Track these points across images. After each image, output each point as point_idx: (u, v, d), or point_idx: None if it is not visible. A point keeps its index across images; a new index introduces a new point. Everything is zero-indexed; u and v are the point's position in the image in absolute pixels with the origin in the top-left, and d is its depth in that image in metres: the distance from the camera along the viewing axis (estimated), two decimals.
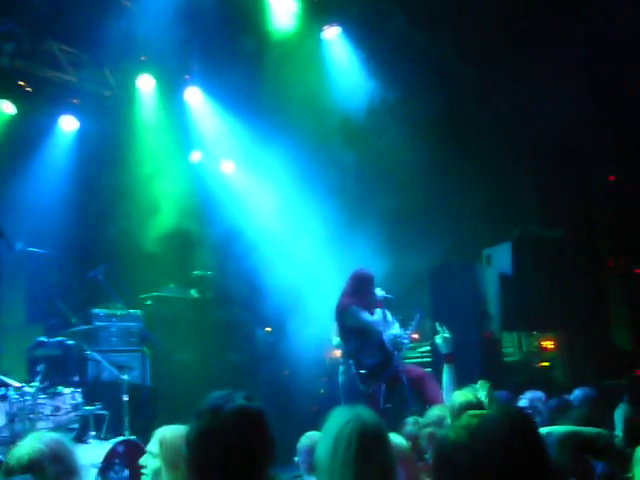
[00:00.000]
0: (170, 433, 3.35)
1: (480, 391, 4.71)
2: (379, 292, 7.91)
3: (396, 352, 7.55)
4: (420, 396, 7.42)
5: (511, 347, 10.70)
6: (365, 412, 2.78)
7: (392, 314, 7.93)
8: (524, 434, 2.88)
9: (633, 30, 9.14)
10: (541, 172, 11.12)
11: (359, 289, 7.81)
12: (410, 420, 5.31)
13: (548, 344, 10.89)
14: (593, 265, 10.92)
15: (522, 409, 4.42)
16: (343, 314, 7.76)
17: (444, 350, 5.76)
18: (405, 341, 7.76)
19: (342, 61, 10.05)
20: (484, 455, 2.83)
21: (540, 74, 9.89)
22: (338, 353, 9.21)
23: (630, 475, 3.59)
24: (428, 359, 9.71)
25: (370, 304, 7.80)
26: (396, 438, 4.07)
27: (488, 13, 9.16)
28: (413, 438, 4.95)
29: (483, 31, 9.49)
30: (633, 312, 11.02)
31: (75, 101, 10.42)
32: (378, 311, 7.81)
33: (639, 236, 10.67)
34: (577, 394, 5.98)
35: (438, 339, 5.85)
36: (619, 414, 5.00)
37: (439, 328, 5.89)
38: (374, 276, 7.90)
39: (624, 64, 9.90)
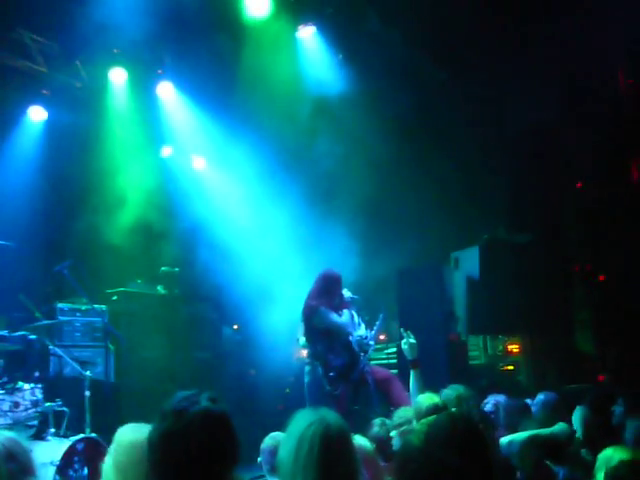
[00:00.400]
0: (126, 433, 3.30)
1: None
2: (346, 293, 7.90)
3: (362, 353, 7.55)
4: (386, 398, 7.43)
5: (477, 350, 10.79)
6: (329, 414, 2.77)
7: (359, 315, 7.94)
8: (468, 436, 2.95)
9: (604, 37, 9.29)
10: (509, 177, 11.23)
11: (326, 290, 7.79)
12: (377, 422, 5.31)
13: (513, 348, 10.99)
14: (559, 270, 11.05)
15: (469, 412, 4.45)
16: (311, 315, 7.72)
17: (409, 356, 5.74)
18: (371, 342, 7.77)
19: (316, 60, 10.05)
20: (436, 459, 2.90)
21: (510, 79, 9.99)
22: (305, 353, 9.20)
23: None
24: (394, 360, 9.74)
25: (337, 305, 7.79)
26: (360, 440, 4.08)
27: (461, 17, 9.23)
28: (380, 439, 4.95)
29: (456, 34, 9.55)
30: (597, 317, 11.17)
31: (45, 92, 10.27)
32: (345, 312, 7.80)
33: (604, 242, 10.83)
34: (539, 398, 6.04)
35: (404, 345, 5.84)
36: (577, 417, 5.07)
37: (404, 333, 5.88)
38: (341, 277, 7.89)
39: (593, 71, 10.05)
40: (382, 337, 10.29)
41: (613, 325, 10.71)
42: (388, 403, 7.26)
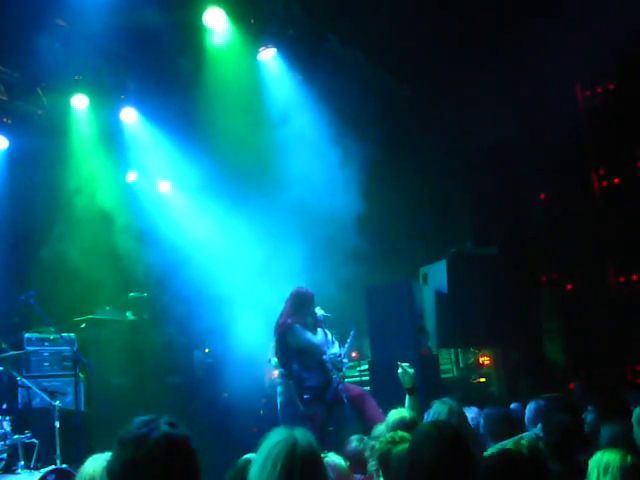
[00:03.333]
0: (87, 466, 3.27)
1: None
2: (319, 311, 7.87)
3: (336, 372, 7.52)
4: (360, 415, 7.41)
5: (448, 364, 10.84)
6: (299, 433, 2.76)
7: (332, 333, 7.93)
8: (453, 443, 3.06)
9: (561, 51, 9.49)
10: (474, 192, 11.37)
11: (299, 308, 7.73)
12: (355, 437, 5.31)
13: (484, 360, 11.07)
14: (526, 281, 11.18)
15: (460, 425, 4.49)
16: (285, 333, 7.62)
17: (407, 385, 5.78)
18: (345, 360, 7.76)
19: (277, 81, 10.11)
20: (419, 465, 2.99)
21: (471, 96, 10.14)
22: (277, 374, 9.16)
23: None
24: (367, 378, 9.75)
25: (311, 323, 7.76)
26: (334, 458, 4.09)
27: (421, 36, 9.37)
28: (359, 453, 4.96)
29: (416, 53, 9.69)
30: (565, 326, 11.31)
31: (5, 120, 10.18)
32: (319, 331, 7.77)
33: (570, 252, 11.00)
34: (514, 407, 6.13)
35: (401, 376, 5.85)
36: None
37: (401, 365, 5.88)
38: (314, 295, 7.87)
39: (551, 85, 10.25)
40: (354, 354, 10.30)
41: (581, 333, 10.86)
42: (362, 420, 7.25)
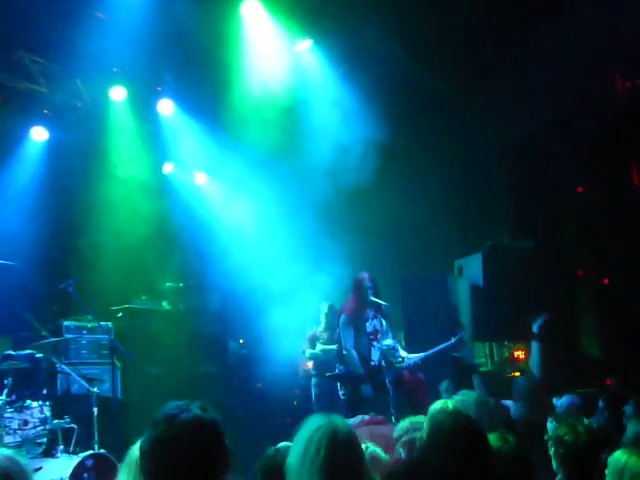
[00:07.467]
0: (134, 450, 3.32)
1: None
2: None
3: (385, 363, 7.52)
4: (409, 400, 7.44)
5: (483, 357, 10.78)
6: (337, 420, 2.79)
7: (387, 324, 7.96)
8: (468, 434, 3.07)
9: (602, 40, 9.32)
10: (512, 184, 11.25)
11: (355, 292, 7.91)
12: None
13: (520, 354, 10.97)
14: (563, 275, 11.04)
15: (491, 416, 4.46)
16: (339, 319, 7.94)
17: None
18: (397, 354, 7.76)
19: (314, 74, 10.11)
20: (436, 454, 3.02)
21: (509, 86, 10.03)
22: (310, 365, 9.21)
23: None
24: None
25: (368, 307, 7.83)
26: (375, 449, 4.09)
27: (457, 28, 9.28)
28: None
29: (453, 44, 9.60)
30: (602, 321, 11.15)
31: (46, 112, 10.35)
32: (372, 322, 7.82)
33: (607, 246, 10.83)
34: (563, 402, 6.11)
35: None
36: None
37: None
38: (365, 278, 7.89)
39: (592, 75, 10.09)
40: None
41: (618, 328, 10.69)
42: (413, 406, 7.24)
